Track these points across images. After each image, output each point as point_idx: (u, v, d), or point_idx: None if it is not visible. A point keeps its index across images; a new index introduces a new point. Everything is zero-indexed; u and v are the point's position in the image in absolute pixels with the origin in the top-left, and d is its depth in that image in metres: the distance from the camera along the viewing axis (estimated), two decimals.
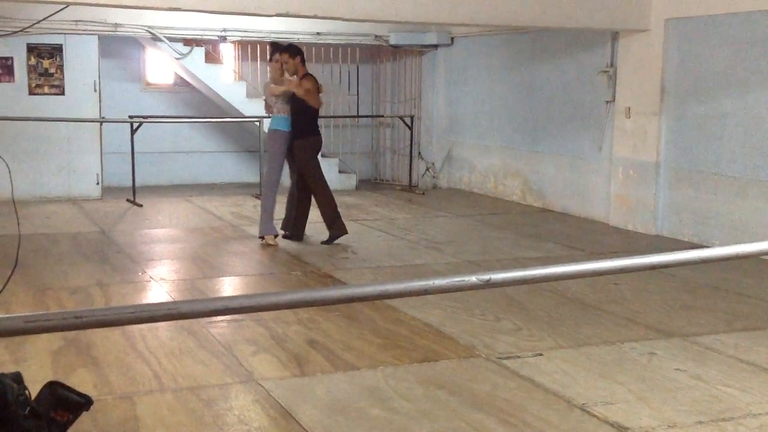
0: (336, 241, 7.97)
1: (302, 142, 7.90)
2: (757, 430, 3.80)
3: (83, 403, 3.20)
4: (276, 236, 7.92)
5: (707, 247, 6.66)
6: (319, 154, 8.34)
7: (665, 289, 6.38)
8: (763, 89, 7.54)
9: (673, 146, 8.51)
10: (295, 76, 7.86)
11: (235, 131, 12.49)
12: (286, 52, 7.90)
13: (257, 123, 11.13)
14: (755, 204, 7.65)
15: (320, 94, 7.99)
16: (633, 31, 8.74)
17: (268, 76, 8.27)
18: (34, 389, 3.17)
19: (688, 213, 8.37)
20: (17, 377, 3.12)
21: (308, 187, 8.00)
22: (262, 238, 7.91)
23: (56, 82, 10.51)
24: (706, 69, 8.11)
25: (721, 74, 7.95)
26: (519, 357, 4.76)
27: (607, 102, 9.33)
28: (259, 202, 10.60)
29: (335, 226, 7.95)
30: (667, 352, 4.88)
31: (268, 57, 8.08)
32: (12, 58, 10.31)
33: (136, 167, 10.48)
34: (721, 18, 7.90)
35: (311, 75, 7.95)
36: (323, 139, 8.32)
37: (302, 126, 7.88)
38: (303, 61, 7.94)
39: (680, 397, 4.18)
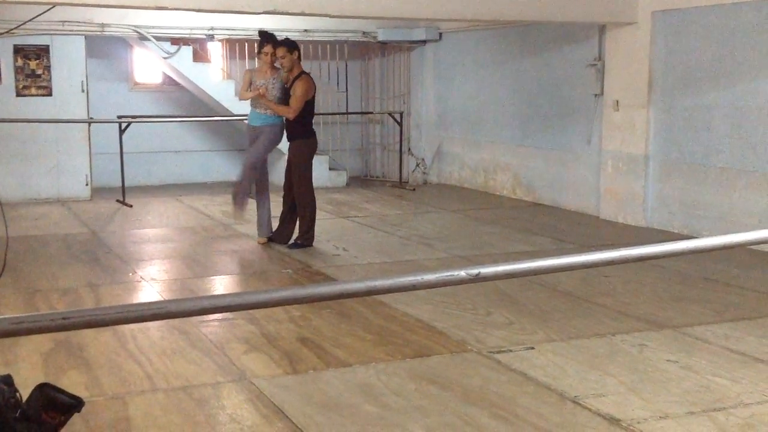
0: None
1: (299, 143, 7.57)
2: (747, 420, 3.82)
3: (74, 404, 3.19)
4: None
5: (696, 237, 6.67)
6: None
7: (655, 280, 6.40)
8: (749, 80, 7.57)
9: (662, 138, 8.53)
10: (266, 82, 7.46)
11: (225, 130, 12.46)
12: (282, 46, 7.44)
13: (246, 121, 11.09)
14: (743, 194, 7.68)
15: (313, 95, 7.60)
16: (620, 24, 8.76)
17: (257, 66, 7.81)
18: (24, 392, 3.16)
19: (677, 204, 8.40)
20: (7, 380, 3.11)
21: (294, 191, 7.65)
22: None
23: (44, 83, 10.47)
24: (693, 61, 8.14)
25: (708, 66, 7.98)
26: (510, 351, 4.77)
27: (596, 95, 9.34)
28: (249, 200, 10.58)
29: (308, 236, 7.68)
30: (658, 344, 4.89)
31: (257, 48, 7.65)
32: None
33: (125, 167, 10.45)
34: (707, 10, 7.92)
35: (307, 75, 7.54)
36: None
37: (297, 126, 7.52)
38: (299, 58, 7.52)
39: (671, 387, 4.20)
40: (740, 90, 7.66)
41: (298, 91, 7.42)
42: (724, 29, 7.78)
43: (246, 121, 7.99)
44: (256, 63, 7.86)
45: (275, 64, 7.61)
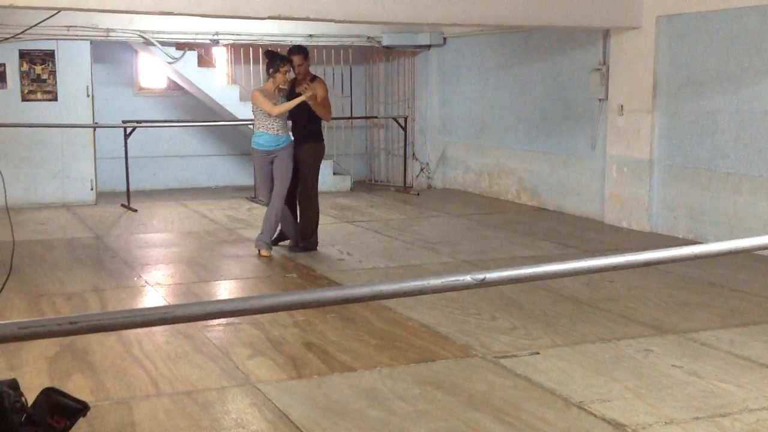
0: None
1: (312, 146, 7.58)
2: (753, 425, 3.81)
3: (80, 409, 3.20)
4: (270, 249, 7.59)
5: (702, 243, 6.66)
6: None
7: (660, 285, 6.39)
8: (754, 85, 7.56)
9: (667, 143, 8.53)
10: (309, 84, 7.43)
11: (229, 134, 12.48)
12: (299, 54, 7.47)
13: (251, 126, 11.11)
14: (748, 199, 7.67)
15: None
16: (625, 29, 8.76)
17: (263, 85, 7.69)
18: (30, 396, 3.17)
19: (682, 209, 8.38)
20: (13, 384, 3.12)
21: (298, 193, 7.64)
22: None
23: (49, 88, 10.50)
24: (697, 65, 8.13)
25: (712, 70, 7.97)
26: (515, 356, 4.76)
27: (600, 100, 9.34)
28: (254, 204, 10.61)
29: (312, 239, 7.72)
30: (663, 349, 4.88)
31: (269, 68, 7.40)
32: (4, 64, 10.29)
33: (130, 172, 10.46)
34: (711, 14, 7.92)
35: (320, 78, 7.59)
36: None
37: (312, 130, 7.57)
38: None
39: (677, 393, 4.19)
40: (745, 94, 7.65)
41: (321, 91, 7.47)
42: (728, 34, 7.78)
43: (258, 147, 7.44)
44: (262, 81, 7.51)
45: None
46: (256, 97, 7.39)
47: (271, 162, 7.49)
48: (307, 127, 7.57)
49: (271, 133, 7.42)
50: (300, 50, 7.59)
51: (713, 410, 3.97)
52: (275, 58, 7.43)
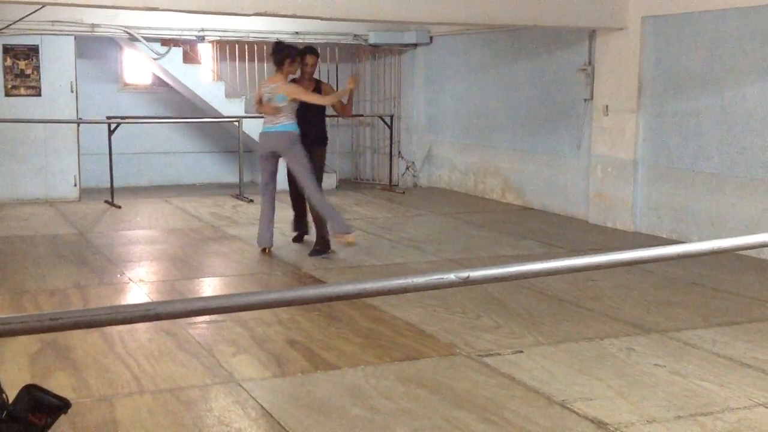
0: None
1: (324, 149, 7.71)
2: (735, 424, 3.84)
3: (61, 406, 3.17)
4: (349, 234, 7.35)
5: (685, 242, 6.70)
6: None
7: (643, 285, 6.42)
8: (738, 86, 7.61)
9: (651, 143, 8.57)
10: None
11: (214, 132, 12.43)
12: (314, 54, 7.54)
13: (236, 123, 11.09)
14: (732, 200, 7.71)
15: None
16: (610, 29, 8.79)
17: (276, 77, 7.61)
18: (11, 393, 3.14)
19: (666, 209, 8.43)
20: None
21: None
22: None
23: (33, 84, 10.42)
24: (682, 66, 8.17)
25: (697, 72, 8.01)
26: (499, 354, 4.77)
27: (585, 100, 9.37)
28: (239, 202, 10.58)
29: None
30: (646, 348, 4.91)
31: (285, 58, 7.40)
32: None
33: (114, 168, 10.41)
34: (696, 15, 7.96)
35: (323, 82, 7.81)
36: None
37: (324, 130, 7.68)
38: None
39: (659, 392, 4.21)
40: (729, 95, 7.70)
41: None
42: (712, 35, 7.82)
43: (296, 132, 7.22)
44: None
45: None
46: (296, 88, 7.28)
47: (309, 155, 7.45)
48: (321, 125, 7.63)
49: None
50: (315, 51, 7.58)
51: (695, 409, 3.99)
52: (303, 51, 7.42)
